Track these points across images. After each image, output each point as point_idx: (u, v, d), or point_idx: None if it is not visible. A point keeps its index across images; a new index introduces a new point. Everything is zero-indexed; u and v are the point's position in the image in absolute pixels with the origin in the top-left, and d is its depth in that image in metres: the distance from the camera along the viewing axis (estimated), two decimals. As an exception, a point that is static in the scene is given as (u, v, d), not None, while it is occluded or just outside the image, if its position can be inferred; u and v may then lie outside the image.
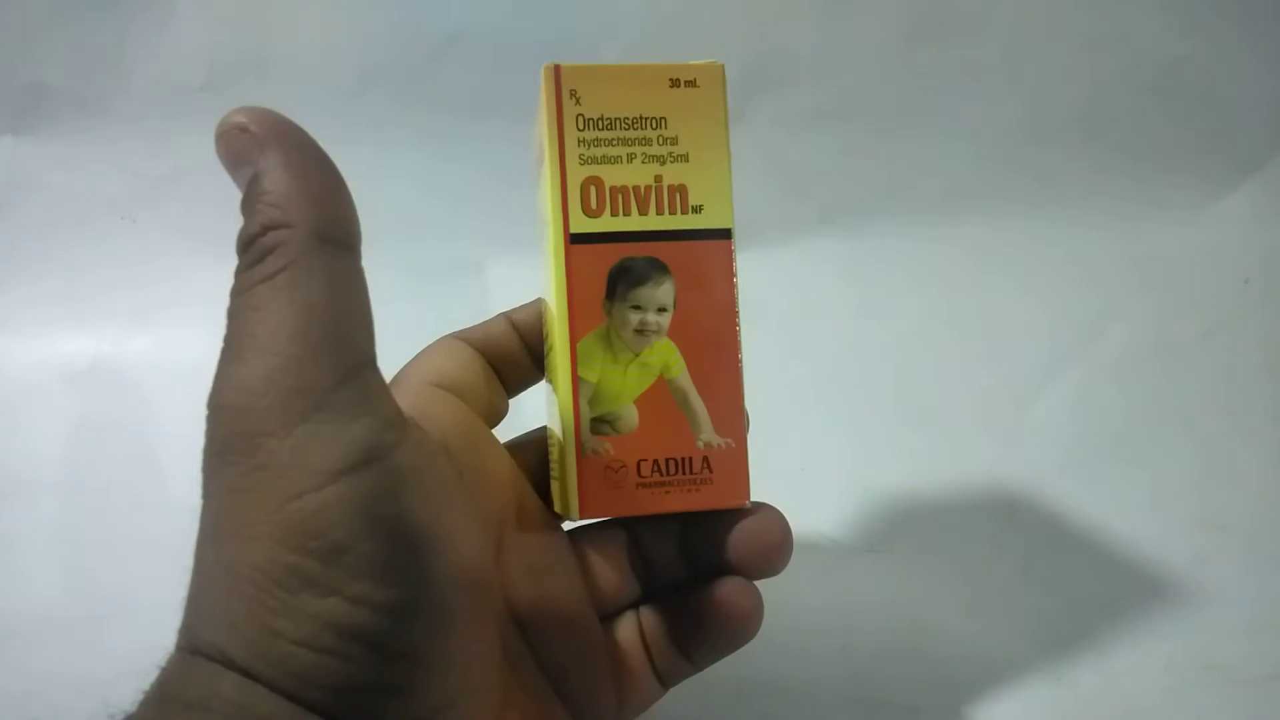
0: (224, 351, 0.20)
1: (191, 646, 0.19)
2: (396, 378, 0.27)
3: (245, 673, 0.18)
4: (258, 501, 0.19)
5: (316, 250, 0.20)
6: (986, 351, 0.51)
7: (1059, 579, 0.40)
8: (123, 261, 0.54)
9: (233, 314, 0.21)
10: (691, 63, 0.27)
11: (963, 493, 0.45)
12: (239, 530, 0.19)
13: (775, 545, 0.27)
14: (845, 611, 0.38)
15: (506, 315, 0.29)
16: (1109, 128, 0.53)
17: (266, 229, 0.20)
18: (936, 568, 0.41)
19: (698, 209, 0.26)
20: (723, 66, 0.27)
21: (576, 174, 0.26)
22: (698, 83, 0.27)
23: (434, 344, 0.28)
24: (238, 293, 0.21)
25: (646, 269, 0.26)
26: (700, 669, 0.28)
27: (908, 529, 0.43)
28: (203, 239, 0.55)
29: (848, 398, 0.50)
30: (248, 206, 0.21)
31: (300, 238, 0.20)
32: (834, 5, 0.51)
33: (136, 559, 0.42)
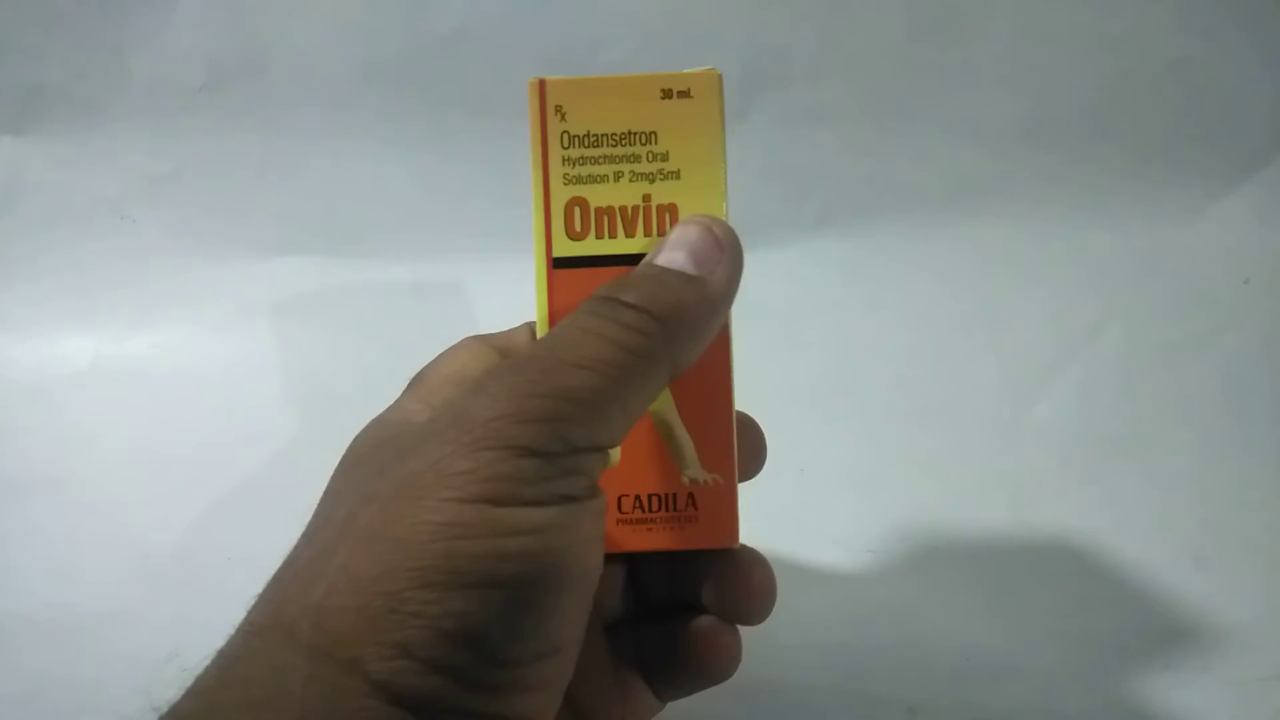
0: (537, 354, 0.21)
1: (273, 618, 0.19)
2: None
3: (333, 645, 0.18)
4: (455, 486, 0.19)
5: (664, 366, 0.21)
6: (987, 351, 0.51)
7: (1058, 578, 0.40)
8: (122, 261, 0.53)
9: (566, 334, 0.21)
10: (686, 71, 0.25)
11: (963, 492, 0.45)
12: (420, 500, 0.19)
13: (755, 595, 0.26)
14: (845, 611, 0.38)
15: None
16: (1109, 127, 0.53)
17: (655, 314, 0.21)
18: (936, 567, 0.41)
19: None
20: (719, 75, 0.25)
21: (560, 195, 0.25)
22: (691, 93, 0.25)
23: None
24: (587, 326, 0.21)
25: None
26: (676, 699, 0.28)
27: (907, 529, 0.43)
28: (202, 239, 0.55)
29: (847, 398, 0.50)
30: (660, 278, 0.22)
31: (666, 354, 0.21)
32: (834, 5, 0.51)
33: (136, 559, 0.42)
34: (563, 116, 0.25)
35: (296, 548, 0.21)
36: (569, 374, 0.20)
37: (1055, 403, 0.49)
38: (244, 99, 0.52)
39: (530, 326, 0.29)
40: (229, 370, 0.51)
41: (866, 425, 0.49)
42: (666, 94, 0.25)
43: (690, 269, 0.23)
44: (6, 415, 0.51)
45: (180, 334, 0.53)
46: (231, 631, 0.20)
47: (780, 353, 0.50)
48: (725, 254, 0.23)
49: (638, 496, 0.25)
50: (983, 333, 0.52)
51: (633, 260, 0.25)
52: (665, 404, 0.25)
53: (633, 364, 0.21)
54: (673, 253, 0.23)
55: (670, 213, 0.25)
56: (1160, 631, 0.37)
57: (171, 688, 0.19)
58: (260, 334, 0.52)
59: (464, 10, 0.51)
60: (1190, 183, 0.54)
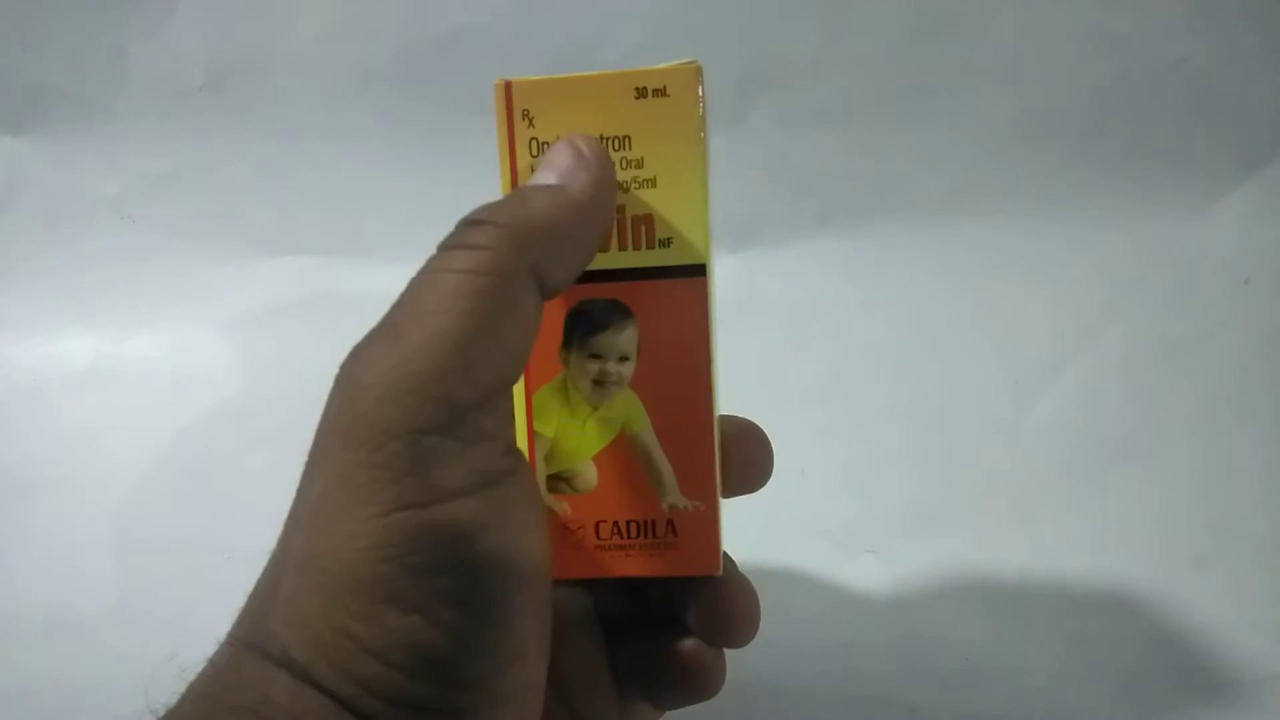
0: (386, 321, 0.19)
1: (249, 639, 0.19)
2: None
3: (304, 672, 0.18)
4: (366, 499, 0.18)
5: (523, 277, 0.20)
6: (987, 351, 0.51)
7: (1059, 579, 0.40)
8: (122, 261, 0.53)
9: (415, 285, 0.20)
10: (661, 66, 0.23)
11: (963, 493, 0.45)
12: (337, 523, 0.18)
13: (736, 622, 0.26)
14: (845, 612, 0.38)
15: None
16: (1109, 127, 0.53)
17: (500, 223, 0.20)
18: (936, 567, 0.41)
19: (665, 243, 0.23)
20: (698, 68, 0.23)
21: None
22: (668, 91, 0.23)
23: None
24: (432, 267, 0.20)
25: (606, 313, 0.24)
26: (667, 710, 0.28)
27: (908, 530, 0.43)
28: (202, 238, 0.55)
29: (848, 398, 0.50)
30: (516, 194, 0.21)
31: (519, 261, 0.20)
32: (834, 5, 0.51)
33: (135, 560, 0.42)
34: (530, 122, 0.24)
35: (267, 563, 0.20)
36: (424, 325, 0.19)
37: (1056, 402, 0.49)
38: (244, 99, 0.52)
39: None
40: (229, 370, 0.51)
41: (866, 426, 0.49)
42: (641, 93, 0.23)
43: (551, 181, 0.22)
44: (6, 415, 0.51)
45: (180, 334, 0.52)
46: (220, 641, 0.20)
47: (780, 353, 0.50)
48: (587, 161, 0.22)
49: (615, 523, 0.24)
50: (983, 333, 0.52)
51: (606, 276, 0.24)
52: (642, 427, 0.24)
53: (487, 286, 0.19)
54: (537, 174, 0.22)
55: (646, 225, 0.23)
56: (1160, 631, 0.36)
57: (170, 688, 0.19)
58: (260, 334, 0.52)
59: (464, 10, 0.51)
60: (1191, 182, 0.54)
